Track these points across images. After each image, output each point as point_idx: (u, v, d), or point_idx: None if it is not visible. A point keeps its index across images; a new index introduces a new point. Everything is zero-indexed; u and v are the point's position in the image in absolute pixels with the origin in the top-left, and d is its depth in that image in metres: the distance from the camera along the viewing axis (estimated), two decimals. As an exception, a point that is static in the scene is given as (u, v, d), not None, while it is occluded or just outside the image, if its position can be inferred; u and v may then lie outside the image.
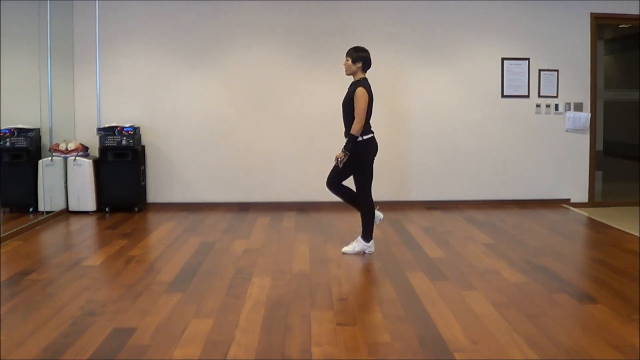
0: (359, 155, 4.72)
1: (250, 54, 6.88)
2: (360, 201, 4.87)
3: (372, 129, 4.77)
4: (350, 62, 4.74)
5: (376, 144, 4.78)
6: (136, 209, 6.69)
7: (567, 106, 7.09)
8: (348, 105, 4.74)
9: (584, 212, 6.72)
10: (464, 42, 6.98)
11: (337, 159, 4.69)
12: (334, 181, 4.85)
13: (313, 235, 5.54)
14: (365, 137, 4.70)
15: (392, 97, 6.89)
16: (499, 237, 5.46)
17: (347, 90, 4.85)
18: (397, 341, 3.10)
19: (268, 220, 6.26)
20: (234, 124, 6.93)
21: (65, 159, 6.51)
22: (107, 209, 6.66)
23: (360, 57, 4.73)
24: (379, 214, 4.94)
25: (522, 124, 7.09)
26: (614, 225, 5.98)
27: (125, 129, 6.53)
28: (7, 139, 6.22)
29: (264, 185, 6.98)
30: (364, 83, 4.71)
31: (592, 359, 2.87)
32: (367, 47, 4.93)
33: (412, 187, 7.07)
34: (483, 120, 7.05)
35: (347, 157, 4.64)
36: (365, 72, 4.78)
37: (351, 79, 4.85)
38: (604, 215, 6.49)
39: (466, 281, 4.13)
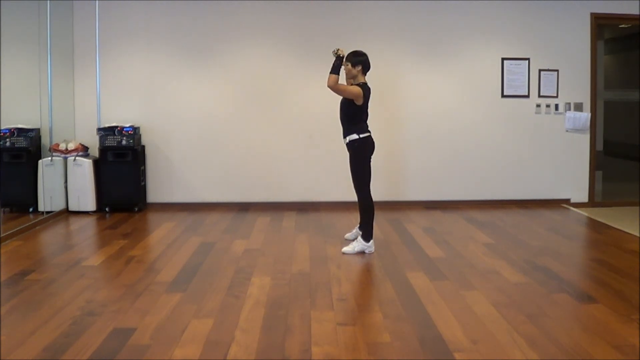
0: (357, 153, 4.80)
1: (250, 54, 6.88)
2: (360, 200, 4.89)
3: (369, 128, 4.83)
4: (349, 66, 4.79)
5: (373, 142, 4.84)
6: (136, 209, 6.69)
7: (567, 106, 7.09)
8: (345, 107, 4.82)
9: (584, 212, 6.72)
10: (464, 42, 6.98)
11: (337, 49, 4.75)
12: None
13: (313, 235, 5.54)
14: (362, 136, 4.77)
15: (393, 97, 6.90)
16: (499, 237, 5.46)
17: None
18: (397, 341, 3.10)
19: (268, 220, 6.27)
20: (234, 124, 6.94)
21: (65, 159, 6.51)
22: (107, 209, 6.66)
23: (359, 61, 4.77)
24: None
25: (522, 124, 7.09)
26: (614, 225, 5.98)
27: (125, 129, 6.53)
28: (7, 139, 6.22)
29: (264, 185, 6.98)
30: (363, 87, 4.77)
31: (592, 359, 2.87)
32: (367, 47, 4.99)
33: (412, 187, 7.07)
34: (483, 120, 7.05)
35: (337, 52, 4.71)
36: (365, 74, 4.82)
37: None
38: (604, 215, 6.49)
39: (466, 281, 4.13)
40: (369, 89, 4.80)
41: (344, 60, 4.79)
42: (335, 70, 4.67)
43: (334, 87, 4.66)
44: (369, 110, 4.85)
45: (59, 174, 6.49)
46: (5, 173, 6.20)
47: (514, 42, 7.02)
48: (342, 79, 5.05)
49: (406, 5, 6.89)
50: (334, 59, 4.72)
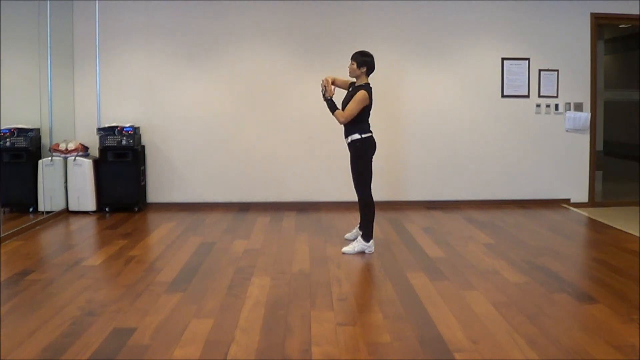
0: (358, 153, 4.80)
1: (250, 54, 6.88)
2: (360, 200, 4.89)
3: (370, 128, 4.82)
4: (355, 66, 4.79)
5: (374, 142, 4.83)
6: (136, 209, 6.69)
7: (567, 106, 7.10)
8: (346, 106, 4.80)
9: (584, 212, 6.72)
10: (464, 42, 6.98)
11: (324, 88, 4.78)
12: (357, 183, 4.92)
13: (313, 235, 5.54)
14: (364, 136, 4.76)
15: (393, 97, 6.90)
16: (499, 237, 5.46)
17: (347, 91, 4.94)
18: (397, 341, 3.10)
19: (268, 220, 6.27)
20: (234, 124, 6.94)
21: (65, 159, 6.51)
22: (107, 209, 6.65)
23: (365, 62, 4.77)
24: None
25: (522, 124, 7.09)
26: (614, 225, 5.98)
27: (125, 129, 6.53)
28: (7, 139, 6.22)
29: (264, 185, 6.98)
30: (367, 87, 4.76)
31: (592, 359, 2.87)
32: (367, 47, 4.99)
33: (412, 187, 7.07)
34: (483, 120, 7.05)
35: (325, 95, 4.76)
36: (369, 76, 4.83)
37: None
38: (604, 215, 6.49)
39: (466, 281, 4.13)
40: (371, 88, 4.80)
41: (349, 59, 4.81)
42: (333, 108, 4.75)
43: (345, 118, 4.71)
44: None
45: (59, 174, 6.49)
46: (5, 173, 6.20)
47: (514, 42, 7.01)
48: (343, 78, 5.07)
49: (406, 5, 6.89)
50: (328, 99, 4.78)
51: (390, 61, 6.80)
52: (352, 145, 4.81)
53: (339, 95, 4.98)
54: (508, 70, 7.03)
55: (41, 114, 6.32)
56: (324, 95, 4.79)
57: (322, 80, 4.80)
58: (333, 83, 4.91)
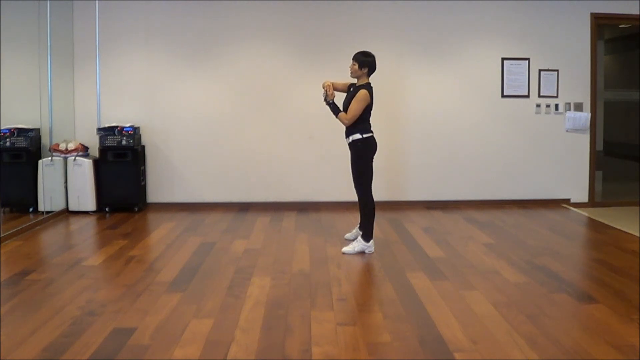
0: (359, 153, 4.80)
1: (250, 54, 6.88)
2: (361, 200, 4.89)
3: (371, 128, 4.81)
4: (356, 66, 4.79)
5: (375, 142, 4.83)
6: (136, 209, 6.69)
7: (567, 106, 7.09)
8: (349, 107, 4.79)
9: (584, 212, 6.72)
10: (464, 42, 6.97)
11: (326, 92, 4.80)
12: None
13: (313, 235, 5.54)
14: (365, 136, 4.76)
15: (393, 97, 6.90)
16: (499, 237, 5.46)
17: (347, 92, 4.94)
18: (397, 341, 3.10)
19: (268, 220, 6.27)
20: (234, 124, 6.94)
21: (65, 159, 6.51)
22: (107, 209, 6.66)
23: (366, 62, 4.77)
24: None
25: (522, 124, 7.09)
26: (614, 225, 5.98)
27: (125, 129, 6.53)
28: (7, 139, 6.22)
29: (264, 185, 6.98)
30: (368, 87, 4.76)
31: (592, 359, 2.87)
32: (367, 47, 5.00)
33: (412, 187, 7.07)
34: (483, 120, 7.05)
35: (326, 99, 4.79)
36: (370, 76, 4.83)
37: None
38: (604, 215, 6.49)
39: (466, 281, 4.13)
40: (372, 88, 4.81)
41: (351, 59, 4.81)
42: (336, 111, 4.78)
43: (350, 120, 4.72)
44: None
45: (59, 174, 6.49)
46: (5, 173, 6.20)
47: (514, 42, 7.01)
48: (344, 78, 5.08)
49: (406, 5, 6.89)
50: (330, 103, 4.80)
51: (390, 61, 6.80)
52: (353, 145, 4.81)
53: (338, 99, 4.99)
54: (508, 70, 7.03)
55: (41, 114, 6.32)
56: (325, 99, 4.79)
57: (325, 86, 4.79)
58: (333, 87, 4.91)
